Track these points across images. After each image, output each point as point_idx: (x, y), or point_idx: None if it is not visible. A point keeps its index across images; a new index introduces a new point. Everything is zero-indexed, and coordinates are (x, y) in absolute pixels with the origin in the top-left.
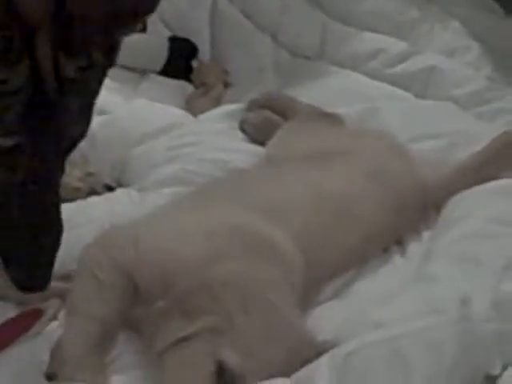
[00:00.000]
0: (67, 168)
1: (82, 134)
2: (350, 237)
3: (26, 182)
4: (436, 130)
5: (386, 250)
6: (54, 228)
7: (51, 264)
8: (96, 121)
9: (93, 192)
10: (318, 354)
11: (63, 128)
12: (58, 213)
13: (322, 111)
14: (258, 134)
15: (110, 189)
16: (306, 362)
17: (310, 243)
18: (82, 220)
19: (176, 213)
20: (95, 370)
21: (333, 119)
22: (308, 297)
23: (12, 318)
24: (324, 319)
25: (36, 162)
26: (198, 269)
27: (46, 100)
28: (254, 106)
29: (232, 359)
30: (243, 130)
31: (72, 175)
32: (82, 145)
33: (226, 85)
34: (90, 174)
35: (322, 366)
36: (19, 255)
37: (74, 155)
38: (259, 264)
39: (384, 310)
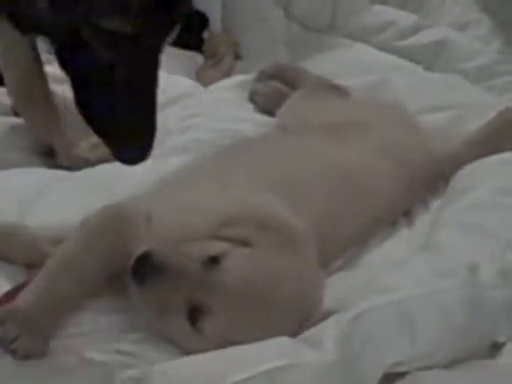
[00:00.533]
0: (75, 139)
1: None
2: (362, 212)
3: (135, 59)
4: (445, 102)
5: (394, 222)
6: (153, 99)
7: (152, 135)
8: None
9: (103, 162)
10: (324, 317)
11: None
12: (156, 86)
13: (331, 82)
14: (267, 104)
15: None
16: (312, 324)
17: (325, 219)
18: (93, 187)
19: (189, 187)
20: None
21: (340, 91)
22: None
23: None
24: (331, 288)
25: (149, 45)
26: None
27: None
28: (263, 76)
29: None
30: (253, 101)
31: (80, 146)
32: None
33: (237, 57)
34: (96, 145)
35: (329, 327)
36: (123, 128)
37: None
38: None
39: (391, 276)
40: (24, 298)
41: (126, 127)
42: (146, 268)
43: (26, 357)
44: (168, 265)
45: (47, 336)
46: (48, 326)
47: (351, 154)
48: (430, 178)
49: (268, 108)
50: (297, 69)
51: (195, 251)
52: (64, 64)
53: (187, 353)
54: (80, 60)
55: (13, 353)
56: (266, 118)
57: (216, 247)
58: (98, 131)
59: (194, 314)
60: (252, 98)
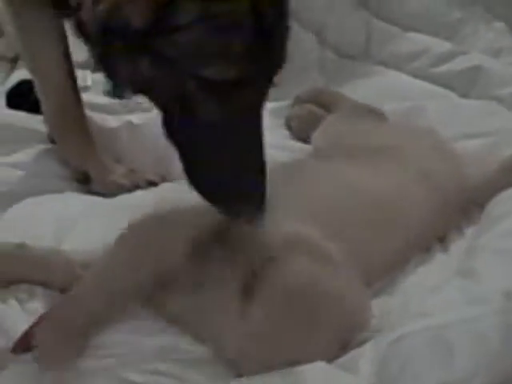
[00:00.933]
0: (110, 165)
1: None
2: (396, 238)
3: (240, 112)
4: (480, 128)
5: (428, 248)
6: (261, 157)
7: (264, 196)
8: (143, 117)
9: (137, 188)
10: (361, 342)
11: (279, 57)
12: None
13: (368, 106)
14: (302, 128)
15: (153, 185)
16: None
17: (359, 245)
18: (128, 213)
19: None
20: None
21: (377, 115)
22: None
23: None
24: None
25: (253, 93)
26: None
27: (267, 31)
28: (299, 101)
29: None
30: (289, 126)
31: (115, 172)
32: (124, 141)
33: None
34: (131, 171)
35: (366, 352)
36: (234, 192)
37: (116, 152)
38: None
39: (426, 302)
40: (61, 308)
41: (237, 190)
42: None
43: (55, 365)
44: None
45: (81, 347)
46: (83, 335)
47: (385, 178)
48: (465, 204)
49: (303, 133)
50: (333, 93)
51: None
52: (171, 132)
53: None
54: (186, 122)
55: (42, 360)
56: (300, 145)
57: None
58: (209, 198)
59: (248, 293)
60: (288, 124)
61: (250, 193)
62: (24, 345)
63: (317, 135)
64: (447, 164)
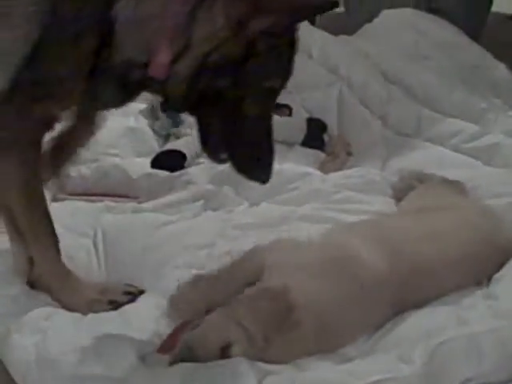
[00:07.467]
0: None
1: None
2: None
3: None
4: (503, 189)
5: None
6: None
7: (272, 157)
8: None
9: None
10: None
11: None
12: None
13: (447, 179)
14: (401, 193)
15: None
16: None
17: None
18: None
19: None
20: None
21: (455, 185)
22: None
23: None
24: (417, 322)
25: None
26: None
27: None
28: (403, 176)
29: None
30: (393, 191)
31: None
32: None
33: (349, 154)
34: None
35: (418, 349)
36: (252, 153)
37: None
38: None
39: (463, 316)
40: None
41: (254, 152)
42: None
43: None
44: None
45: None
46: None
47: (438, 227)
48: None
49: (400, 196)
50: (425, 173)
51: None
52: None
53: None
54: (233, 119)
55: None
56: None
57: None
58: (232, 161)
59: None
60: (393, 189)
61: (263, 154)
62: (170, 346)
63: (406, 198)
64: (489, 223)
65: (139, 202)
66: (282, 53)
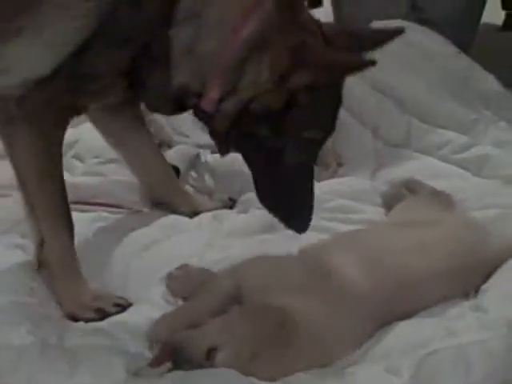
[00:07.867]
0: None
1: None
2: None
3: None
4: (491, 201)
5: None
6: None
7: (311, 209)
8: None
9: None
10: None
11: None
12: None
13: (436, 190)
14: (390, 202)
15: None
16: None
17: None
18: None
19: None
20: None
21: (443, 197)
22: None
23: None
24: (406, 332)
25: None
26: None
27: None
28: (393, 185)
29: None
30: (384, 199)
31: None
32: None
33: (339, 164)
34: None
35: (407, 360)
36: (292, 205)
37: None
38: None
39: (450, 327)
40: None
41: (294, 201)
42: None
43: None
44: None
45: None
46: None
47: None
48: (486, 268)
49: (390, 205)
50: (416, 181)
51: None
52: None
53: None
54: (271, 165)
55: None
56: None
57: None
58: (271, 209)
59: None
60: (381, 196)
61: (304, 211)
62: (163, 359)
63: (394, 209)
64: (473, 235)
65: (132, 213)
66: (323, 106)
